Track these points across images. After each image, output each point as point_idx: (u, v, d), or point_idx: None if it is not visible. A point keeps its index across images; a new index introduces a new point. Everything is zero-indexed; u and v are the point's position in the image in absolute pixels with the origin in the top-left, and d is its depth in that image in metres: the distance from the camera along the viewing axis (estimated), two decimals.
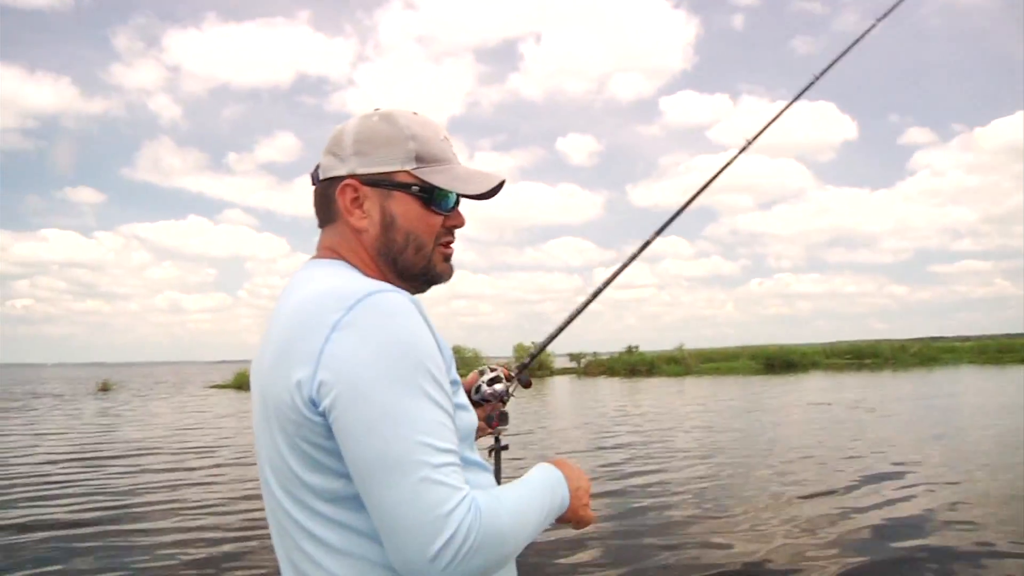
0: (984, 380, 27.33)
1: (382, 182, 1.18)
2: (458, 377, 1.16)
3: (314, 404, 1.01)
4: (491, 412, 1.48)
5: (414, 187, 1.19)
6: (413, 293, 1.18)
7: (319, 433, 1.03)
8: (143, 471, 10.16)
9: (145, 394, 32.73)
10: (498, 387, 1.51)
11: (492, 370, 1.57)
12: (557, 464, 1.26)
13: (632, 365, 44.77)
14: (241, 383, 35.40)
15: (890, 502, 7.14)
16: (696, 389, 27.99)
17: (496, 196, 1.26)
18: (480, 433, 1.47)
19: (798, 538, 5.90)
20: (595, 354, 50.41)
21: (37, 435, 15.37)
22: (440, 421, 1.01)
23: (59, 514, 7.41)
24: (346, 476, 1.03)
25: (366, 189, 1.19)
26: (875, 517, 6.56)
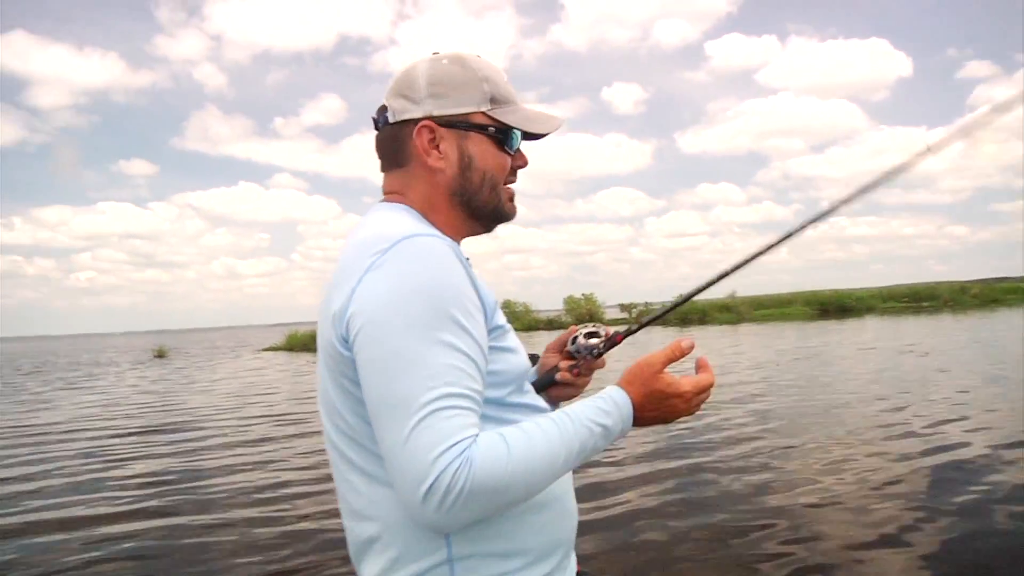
0: None
1: (459, 123, 1.22)
2: (505, 322, 1.20)
3: (345, 340, 1.07)
4: (580, 364, 1.46)
5: (490, 128, 1.23)
6: (483, 232, 1.30)
7: (352, 368, 1.07)
8: (188, 441, 10.24)
9: (198, 360, 33.49)
10: (593, 341, 1.47)
11: (595, 326, 1.52)
12: (628, 375, 1.18)
13: (683, 314, 44.19)
14: (292, 345, 36.40)
15: (945, 447, 6.84)
16: (750, 337, 27.52)
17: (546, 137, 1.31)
18: (567, 390, 1.46)
19: (851, 484, 5.63)
20: (646, 304, 49.98)
21: (83, 407, 15.69)
22: (454, 365, 1.01)
23: (110, 494, 7.40)
24: None
25: (443, 130, 1.21)
26: (931, 462, 6.34)
